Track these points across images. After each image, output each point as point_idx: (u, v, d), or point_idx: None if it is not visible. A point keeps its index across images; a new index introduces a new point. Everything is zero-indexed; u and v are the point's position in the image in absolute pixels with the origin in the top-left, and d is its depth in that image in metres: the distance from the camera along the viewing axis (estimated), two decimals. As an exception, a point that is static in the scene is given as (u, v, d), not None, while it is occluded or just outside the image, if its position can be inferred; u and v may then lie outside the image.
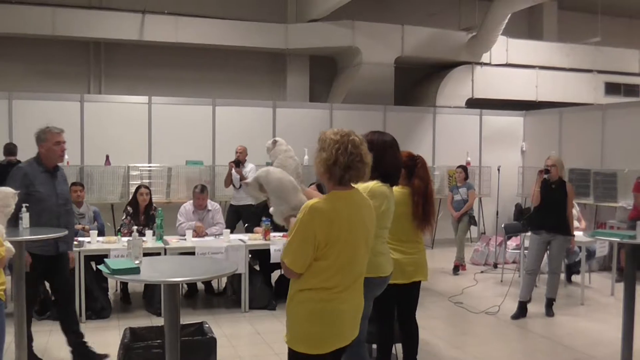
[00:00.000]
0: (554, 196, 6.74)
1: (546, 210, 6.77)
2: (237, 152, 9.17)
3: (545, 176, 6.77)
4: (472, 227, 10.06)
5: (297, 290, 2.85)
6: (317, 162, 2.92)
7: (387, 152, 3.71)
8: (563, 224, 6.75)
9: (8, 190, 4.18)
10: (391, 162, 3.71)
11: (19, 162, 8.70)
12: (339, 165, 2.83)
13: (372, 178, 3.63)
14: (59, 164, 5.05)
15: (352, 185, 2.94)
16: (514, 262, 9.64)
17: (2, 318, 3.73)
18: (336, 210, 2.79)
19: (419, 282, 4.42)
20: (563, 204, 6.75)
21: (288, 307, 2.90)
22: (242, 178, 8.92)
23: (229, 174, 9.25)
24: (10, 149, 8.77)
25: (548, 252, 6.88)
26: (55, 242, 4.85)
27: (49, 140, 4.86)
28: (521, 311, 6.83)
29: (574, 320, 6.83)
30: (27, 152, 8.86)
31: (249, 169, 9.05)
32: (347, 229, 2.80)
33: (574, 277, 8.61)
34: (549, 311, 6.90)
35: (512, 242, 9.80)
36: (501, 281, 8.65)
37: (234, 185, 9.29)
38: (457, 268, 9.37)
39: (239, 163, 9.08)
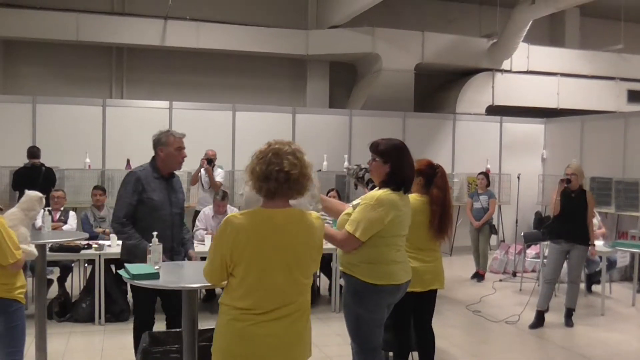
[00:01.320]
0: (574, 205, 6.67)
1: (566, 219, 6.69)
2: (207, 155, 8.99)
3: (567, 185, 6.70)
4: (492, 236, 10.01)
5: (220, 302, 2.77)
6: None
7: (404, 158, 3.63)
8: (583, 233, 6.68)
9: (34, 194, 4.24)
10: (409, 168, 3.66)
11: (42, 165, 8.82)
12: (255, 175, 2.67)
13: (386, 186, 3.62)
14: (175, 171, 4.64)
15: (290, 201, 2.74)
16: (533, 270, 9.57)
17: (23, 320, 3.78)
18: (250, 227, 2.61)
19: (436, 290, 4.41)
20: (583, 213, 6.69)
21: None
22: (212, 179, 8.76)
23: (198, 172, 9.01)
24: (34, 152, 8.88)
25: (567, 261, 6.83)
26: (170, 253, 4.48)
27: (171, 145, 4.44)
28: (539, 320, 6.78)
29: (594, 330, 6.76)
30: (49, 155, 9.10)
31: (217, 172, 8.96)
32: (260, 248, 2.61)
33: (594, 287, 8.52)
34: (569, 321, 6.84)
35: (531, 251, 9.73)
36: (520, 290, 8.58)
37: (202, 185, 9.02)
38: (482, 276, 9.32)
39: (211, 161, 8.86)
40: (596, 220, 8.27)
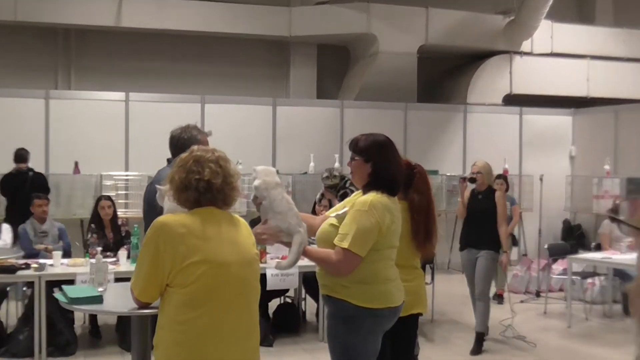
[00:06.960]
0: (481, 208, 6.91)
1: (473, 224, 6.99)
2: None
3: (470, 184, 7.00)
4: (512, 248, 9.99)
5: (158, 329, 2.82)
6: None
7: (389, 155, 3.60)
8: (491, 238, 6.83)
9: None
10: (395, 166, 3.62)
11: (29, 169, 8.74)
12: (175, 185, 2.84)
13: (371, 189, 3.56)
14: None
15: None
16: (560, 289, 9.56)
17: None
18: (186, 224, 2.75)
19: (418, 315, 4.25)
20: (492, 217, 6.84)
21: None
22: None
23: None
24: (20, 155, 8.79)
25: (476, 272, 6.90)
26: None
27: (204, 144, 4.10)
28: (477, 345, 6.85)
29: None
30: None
31: None
32: (204, 244, 2.75)
33: (633, 308, 8.51)
34: (476, 348, 6.82)
35: (558, 266, 9.67)
36: (544, 312, 8.58)
37: None
38: (502, 297, 9.25)
39: None
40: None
